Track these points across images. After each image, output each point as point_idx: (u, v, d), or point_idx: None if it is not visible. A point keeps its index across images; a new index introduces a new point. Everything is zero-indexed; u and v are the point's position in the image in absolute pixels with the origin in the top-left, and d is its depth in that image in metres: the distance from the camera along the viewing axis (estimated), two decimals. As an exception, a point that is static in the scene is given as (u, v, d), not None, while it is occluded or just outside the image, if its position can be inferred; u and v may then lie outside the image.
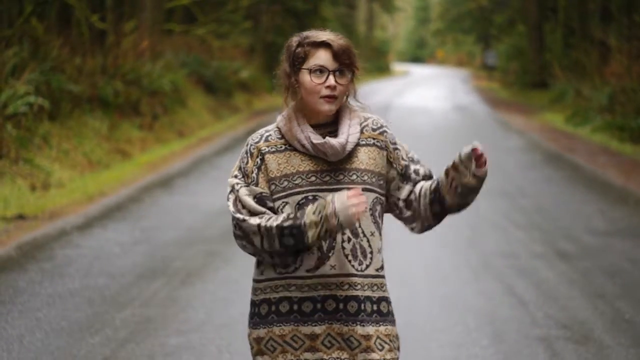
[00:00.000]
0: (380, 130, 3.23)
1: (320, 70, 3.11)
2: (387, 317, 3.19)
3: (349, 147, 3.14)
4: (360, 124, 3.21)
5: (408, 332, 6.39)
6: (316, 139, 3.13)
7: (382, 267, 3.19)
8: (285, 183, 3.15)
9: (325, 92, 3.11)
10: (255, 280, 3.23)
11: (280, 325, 3.15)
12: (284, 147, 3.18)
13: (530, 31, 35.50)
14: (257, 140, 3.22)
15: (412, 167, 3.27)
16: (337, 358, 3.13)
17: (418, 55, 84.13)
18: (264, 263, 3.20)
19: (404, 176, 3.25)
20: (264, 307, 3.18)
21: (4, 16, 14.99)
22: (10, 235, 9.33)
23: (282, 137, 3.19)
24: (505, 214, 10.75)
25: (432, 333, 6.41)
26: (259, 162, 3.19)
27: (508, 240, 9.42)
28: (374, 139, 3.21)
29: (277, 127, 3.22)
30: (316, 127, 3.17)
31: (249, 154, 3.22)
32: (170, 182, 13.14)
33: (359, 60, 3.19)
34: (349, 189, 3.10)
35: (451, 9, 54.75)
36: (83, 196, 11.70)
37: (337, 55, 3.10)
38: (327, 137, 3.14)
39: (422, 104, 30.43)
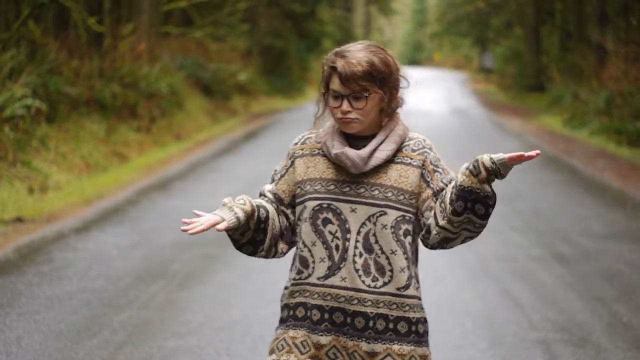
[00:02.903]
0: (421, 150, 3.16)
1: (336, 95, 3.10)
2: (406, 337, 3.15)
3: (374, 161, 3.10)
4: (399, 143, 3.15)
5: (406, 335, 6.41)
6: (337, 149, 3.12)
7: (406, 287, 3.13)
8: (308, 187, 3.17)
9: (339, 115, 3.10)
10: (284, 287, 3.29)
11: (296, 329, 3.16)
12: (317, 151, 3.21)
13: (528, 34, 35.54)
14: (296, 142, 3.28)
15: (448, 187, 3.14)
16: None
17: (415, 58, 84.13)
18: (290, 269, 3.24)
19: (438, 196, 3.16)
20: (284, 312, 3.22)
21: (0, 19, 14.98)
22: (8, 238, 9.33)
23: (321, 141, 3.21)
24: (502, 216, 10.75)
25: (429, 335, 6.41)
26: (289, 164, 3.25)
27: (505, 243, 9.42)
28: (411, 158, 3.15)
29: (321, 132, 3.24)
30: (356, 137, 3.15)
31: (287, 154, 3.29)
32: (167, 185, 13.14)
33: (391, 79, 3.10)
34: (368, 203, 3.09)
35: (448, 12, 54.73)
36: (81, 199, 11.70)
37: (344, 82, 3.07)
38: (347, 148, 3.11)
39: (420, 106, 30.42)
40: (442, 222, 3.10)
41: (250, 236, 3.16)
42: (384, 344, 3.11)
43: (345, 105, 3.08)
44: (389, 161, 3.13)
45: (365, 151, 3.10)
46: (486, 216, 3.13)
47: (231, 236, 3.16)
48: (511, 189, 12.96)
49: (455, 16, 51.86)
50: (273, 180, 3.28)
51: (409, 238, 3.15)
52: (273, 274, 7.93)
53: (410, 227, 3.15)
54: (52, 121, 14.45)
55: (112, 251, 8.86)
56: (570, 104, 24.26)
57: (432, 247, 3.18)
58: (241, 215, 3.09)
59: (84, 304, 7.04)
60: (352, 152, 3.10)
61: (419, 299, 3.20)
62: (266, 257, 3.23)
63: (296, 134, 3.52)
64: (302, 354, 3.14)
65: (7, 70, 13.50)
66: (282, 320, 3.22)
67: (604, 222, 10.63)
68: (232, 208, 3.09)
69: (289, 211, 3.23)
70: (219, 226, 3.04)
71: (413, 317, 3.18)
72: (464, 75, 60.29)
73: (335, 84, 3.09)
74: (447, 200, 3.09)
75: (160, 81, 19.69)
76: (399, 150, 3.16)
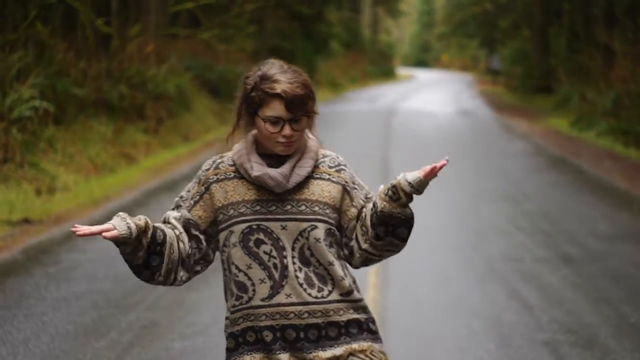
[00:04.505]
0: (338, 168, 3.19)
1: (276, 121, 3.06)
2: (359, 335, 3.13)
3: (296, 178, 3.10)
4: (315, 159, 3.16)
5: (413, 336, 6.41)
6: (257, 170, 3.09)
7: (349, 292, 3.13)
8: (232, 211, 3.12)
9: (282, 139, 3.07)
10: (225, 318, 3.24)
11: (251, 354, 3.11)
12: (233, 174, 3.16)
13: (535, 35, 35.51)
14: (207, 167, 3.21)
15: (367, 206, 3.20)
16: None
17: (423, 59, 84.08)
18: (226, 299, 3.19)
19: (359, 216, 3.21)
20: (231, 342, 3.16)
21: (8, 20, 15.01)
22: (16, 240, 9.35)
23: (234, 164, 3.17)
24: (509, 218, 10.75)
25: (437, 337, 6.42)
26: (203, 190, 3.18)
27: (512, 245, 9.42)
28: (329, 174, 3.16)
29: (232, 155, 3.20)
30: (270, 156, 3.13)
31: (198, 180, 3.21)
32: (175, 186, 13.16)
33: (317, 100, 3.13)
34: (298, 219, 3.08)
35: (456, 13, 54.70)
36: (88, 200, 11.72)
37: (290, 107, 3.04)
38: (268, 168, 3.09)
39: (427, 108, 30.43)
40: (364, 246, 3.17)
41: (145, 258, 3.11)
42: (341, 346, 3.10)
43: (289, 130, 3.06)
44: (308, 177, 3.13)
45: (286, 169, 3.08)
46: (407, 238, 3.21)
47: (124, 255, 3.10)
48: (518, 191, 12.96)
49: (462, 17, 51.84)
50: (178, 207, 3.23)
51: (338, 248, 3.18)
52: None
53: (336, 239, 3.17)
54: (59, 122, 14.47)
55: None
56: (577, 105, 24.23)
57: (356, 267, 3.24)
58: (133, 227, 3.04)
59: (91, 305, 7.06)
60: (274, 172, 3.08)
61: (363, 300, 3.20)
62: (164, 283, 3.17)
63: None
64: None
65: (15, 71, 13.52)
66: (232, 350, 3.16)
67: (611, 223, 10.62)
68: (124, 219, 3.06)
69: (202, 237, 3.19)
70: (107, 233, 3.00)
71: (362, 318, 3.16)
72: (471, 76, 60.26)
73: (277, 110, 3.05)
74: (368, 223, 3.15)
75: (168, 82, 19.72)
76: (315, 166, 3.16)
